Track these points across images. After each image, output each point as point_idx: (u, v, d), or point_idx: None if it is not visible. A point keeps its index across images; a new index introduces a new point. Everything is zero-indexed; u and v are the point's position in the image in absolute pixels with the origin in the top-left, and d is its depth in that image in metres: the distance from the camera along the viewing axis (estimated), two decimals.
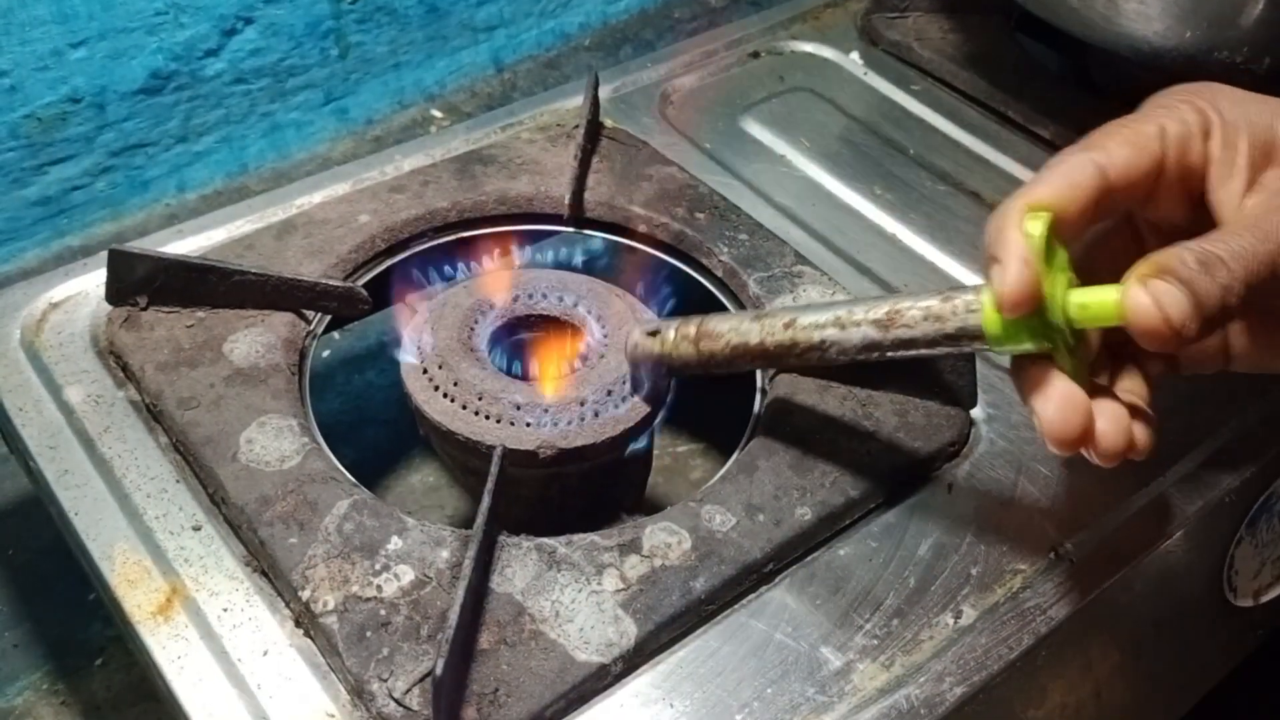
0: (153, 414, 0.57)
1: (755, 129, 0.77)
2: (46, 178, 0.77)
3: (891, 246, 0.69)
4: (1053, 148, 0.76)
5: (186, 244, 0.66)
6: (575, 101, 0.76)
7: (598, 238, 0.69)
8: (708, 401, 0.62)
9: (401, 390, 0.59)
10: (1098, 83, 0.82)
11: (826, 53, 0.84)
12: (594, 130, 0.73)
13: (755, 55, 0.84)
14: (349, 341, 0.84)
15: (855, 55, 0.84)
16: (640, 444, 0.58)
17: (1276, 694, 0.74)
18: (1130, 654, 0.56)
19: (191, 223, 0.68)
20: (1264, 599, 0.62)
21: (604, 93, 0.77)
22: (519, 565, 0.50)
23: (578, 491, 0.58)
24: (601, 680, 0.47)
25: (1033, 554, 0.53)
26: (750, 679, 0.48)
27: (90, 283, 0.63)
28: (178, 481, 0.54)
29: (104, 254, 0.61)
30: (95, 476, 0.54)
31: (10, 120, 0.74)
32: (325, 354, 0.83)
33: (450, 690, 0.45)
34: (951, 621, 0.50)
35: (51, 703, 0.65)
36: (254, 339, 0.59)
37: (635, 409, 0.57)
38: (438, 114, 0.95)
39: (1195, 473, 0.57)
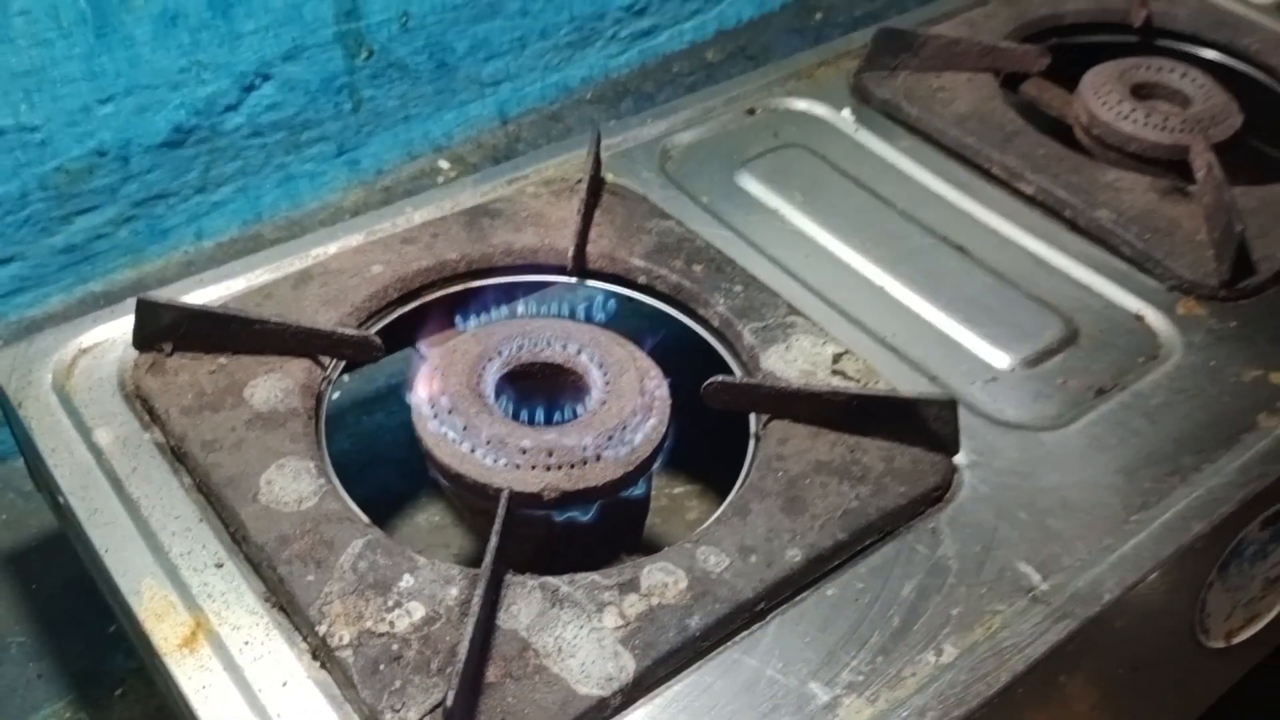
0: (177, 455, 0.60)
1: (750, 184, 0.81)
2: (72, 227, 0.81)
3: (881, 298, 0.73)
4: (1034, 203, 0.79)
5: (207, 292, 0.69)
6: (578, 155, 0.79)
7: (600, 289, 0.72)
8: (704, 445, 0.65)
9: (411, 432, 0.62)
10: (1080, 140, 0.86)
11: (819, 110, 0.88)
12: (596, 185, 0.76)
13: (751, 112, 0.87)
14: (358, 384, 0.87)
15: (847, 112, 0.87)
16: (639, 487, 0.61)
17: None
18: (1106, 692, 0.59)
19: (211, 272, 0.71)
20: (1235, 640, 0.65)
21: (605, 148, 0.80)
22: (524, 603, 0.53)
23: (580, 531, 0.61)
24: (601, 713, 0.50)
25: (1011, 595, 0.56)
26: (742, 713, 0.51)
27: (117, 329, 0.67)
28: (201, 521, 0.57)
29: (130, 301, 0.64)
30: (123, 515, 0.57)
31: (40, 173, 0.78)
32: (335, 396, 0.86)
33: None
34: (933, 659, 0.53)
35: None
36: (273, 384, 0.62)
37: (635, 454, 0.60)
38: (445, 165, 0.99)
39: (1169, 519, 0.60)
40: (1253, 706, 0.76)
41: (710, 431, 0.65)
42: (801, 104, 0.88)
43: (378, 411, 0.85)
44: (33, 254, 0.80)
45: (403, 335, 0.70)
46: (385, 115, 0.94)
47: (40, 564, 0.75)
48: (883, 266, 0.74)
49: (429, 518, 0.81)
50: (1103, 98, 0.85)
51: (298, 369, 0.63)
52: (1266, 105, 0.89)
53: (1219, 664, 0.65)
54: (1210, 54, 0.95)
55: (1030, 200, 0.79)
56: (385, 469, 0.81)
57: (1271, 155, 0.90)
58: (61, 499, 0.59)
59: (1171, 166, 0.81)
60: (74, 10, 0.74)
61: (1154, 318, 0.72)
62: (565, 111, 1.06)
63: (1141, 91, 0.87)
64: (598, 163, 0.77)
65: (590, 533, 0.62)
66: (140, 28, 0.77)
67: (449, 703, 0.46)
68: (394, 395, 0.86)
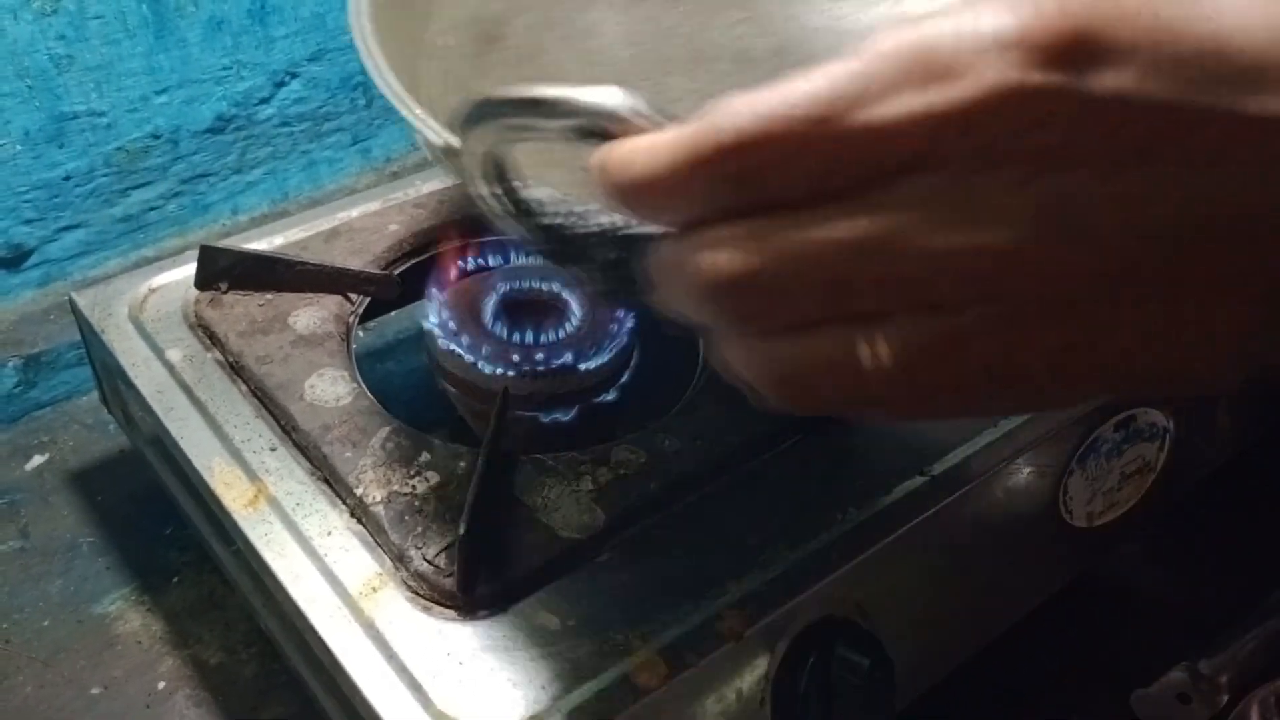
0: (235, 369, 0.74)
1: None
2: (129, 199, 0.94)
3: None
4: None
5: (252, 246, 0.83)
6: None
7: None
8: (672, 385, 0.78)
9: (426, 354, 0.76)
10: None
11: None
12: None
13: None
14: (371, 339, 1.00)
15: None
16: (611, 395, 0.76)
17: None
18: (982, 547, 0.73)
19: (255, 230, 0.85)
20: (1097, 523, 0.79)
21: None
22: (518, 472, 0.66)
23: (562, 431, 0.75)
24: (578, 553, 0.63)
25: (906, 474, 0.69)
26: (688, 553, 0.63)
27: (179, 275, 0.80)
28: (257, 417, 0.70)
29: (187, 254, 0.78)
30: (194, 412, 0.71)
31: (105, 151, 0.91)
32: (353, 348, 1.00)
33: (469, 553, 0.60)
34: (840, 517, 0.67)
35: (139, 610, 0.80)
36: (312, 314, 0.76)
37: (607, 366, 0.74)
38: None
39: (1036, 417, 0.74)
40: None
41: (676, 368, 0.78)
42: None
43: (389, 360, 0.98)
44: (95, 222, 0.93)
45: (415, 284, 0.84)
46: (393, 111, 1.07)
47: (104, 480, 0.88)
48: None
49: None
50: None
51: (331, 303, 0.77)
52: None
53: (1082, 540, 0.79)
54: None
55: None
56: (395, 406, 0.94)
57: None
58: (140, 405, 0.73)
59: None
60: (138, 15, 0.88)
61: None
62: None
63: None
64: None
65: (571, 434, 0.76)
66: (192, 31, 0.91)
67: (462, 531, 0.59)
68: (402, 347, 0.99)
